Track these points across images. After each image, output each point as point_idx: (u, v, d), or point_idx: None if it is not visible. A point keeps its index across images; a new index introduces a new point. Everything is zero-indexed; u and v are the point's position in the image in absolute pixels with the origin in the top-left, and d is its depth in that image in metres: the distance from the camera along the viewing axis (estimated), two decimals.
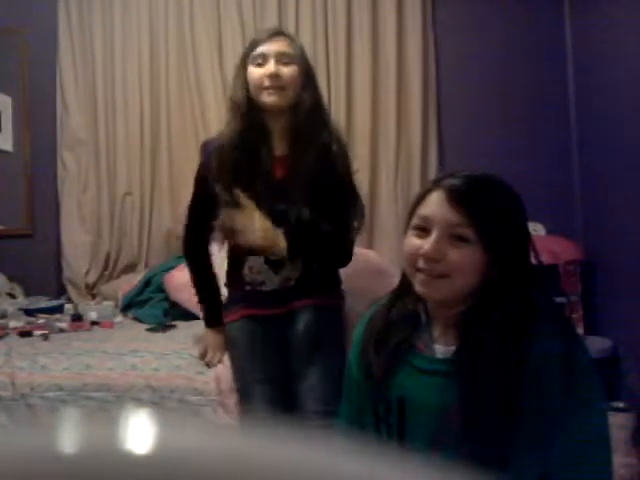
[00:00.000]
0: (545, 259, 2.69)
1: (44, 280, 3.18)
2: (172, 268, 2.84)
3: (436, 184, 1.02)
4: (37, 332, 2.36)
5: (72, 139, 3.19)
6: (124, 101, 3.17)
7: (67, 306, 2.76)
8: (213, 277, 1.88)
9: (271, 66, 1.63)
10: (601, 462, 0.96)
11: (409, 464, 0.22)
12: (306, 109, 1.66)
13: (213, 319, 1.88)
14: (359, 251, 2.43)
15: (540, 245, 2.94)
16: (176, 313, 2.68)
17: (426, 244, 0.97)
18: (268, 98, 1.65)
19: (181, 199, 3.17)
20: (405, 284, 1.08)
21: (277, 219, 1.65)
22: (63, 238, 3.19)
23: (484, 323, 0.97)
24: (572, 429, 0.93)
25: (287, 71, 1.64)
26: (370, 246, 3.00)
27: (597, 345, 2.50)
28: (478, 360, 0.96)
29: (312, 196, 1.66)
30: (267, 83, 1.63)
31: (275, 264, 1.73)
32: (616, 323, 2.61)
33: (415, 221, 1.02)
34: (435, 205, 0.99)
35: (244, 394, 1.72)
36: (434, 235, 0.97)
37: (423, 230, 1.00)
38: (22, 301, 2.91)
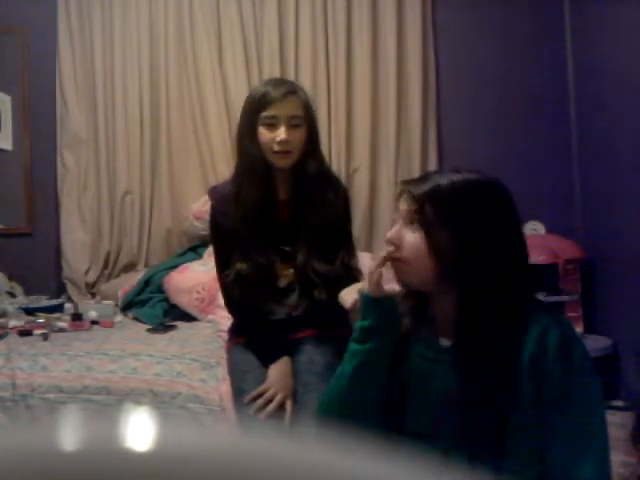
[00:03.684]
0: (545, 258, 2.70)
1: (44, 279, 3.18)
2: (172, 268, 2.84)
3: (403, 189, 1.14)
4: (37, 331, 2.36)
5: (72, 138, 3.19)
6: (124, 100, 3.17)
7: (67, 305, 2.77)
8: (265, 323, 1.79)
9: (282, 132, 1.63)
10: (601, 450, 0.97)
11: (408, 464, 0.22)
12: (311, 174, 1.70)
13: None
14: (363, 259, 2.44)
15: (540, 244, 2.96)
16: (176, 313, 2.68)
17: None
18: (276, 161, 1.67)
19: (181, 198, 3.19)
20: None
21: (283, 259, 1.72)
22: (63, 237, 3.19)
23: (479, 313, 1.02)
24: (571, 416, 0.96)
25: (296, 136, 1.66)
26: (370, 246, 3.00)
27: (597, 344, 2.50)
28: (476, 350, 1.01)
29: (314, 243, 1.72)
30: (277, 148, 1.64)
31: (283, 293, 1.76)
32: (616, 322, 2.61)
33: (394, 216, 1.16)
34: (403, 201, 1.11)
35: (243, 427, 1.66)
36: (397, 224, 1.09)
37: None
38: (22, 300, 2.91)
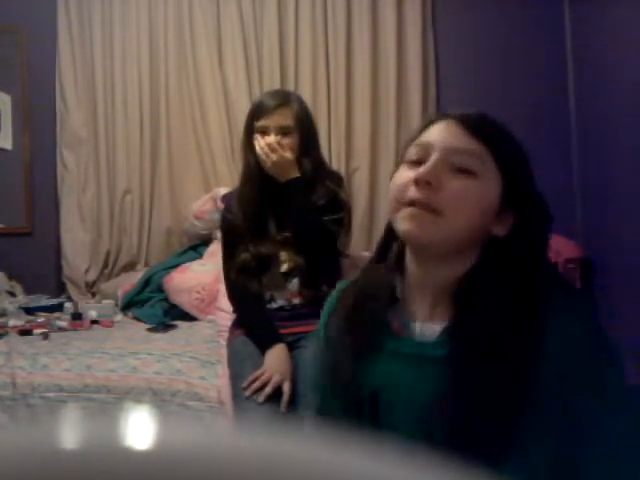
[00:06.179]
0: None
1: (44, 278, 3.18)
2: (172, 267, 2.84)
3: (441, 116, 0.85)
4: (37, 331, 2.36)
5: (72, 138, 3.19)
6: (124, 99, 3.17)
7: (67, 304, 2.76)
8: (264, 310, 1.85)
9: (270, 139, 1.78)
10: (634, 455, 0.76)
11: (413, 463, 0.22)
12: (306, 173, 1.81)
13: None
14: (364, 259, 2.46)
15: None
16: (176, 313, 2.68)
17: (421, 168, 0.79)
18: (266, 165, 1.80)
19: (181, 198, 3.18)
20: (381, 251, 0.92)
21: (285, 245, 1.84)
22: (63, 236, 3.18)
23: (485, 292, 0.78)
24: (600, 423, 0.75)
25: (285, 143, 1.79)
26: (370, 246, 3.00)
27: None
28: (477, 340, 0.77)
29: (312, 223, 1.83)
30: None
31: (284, 279, 1.83)
32: (615, 322, 2.61)
33: (410, 152, 0.85)
34: (439, 132, 0.82)
35: (239, 411, 1.65)
36: (433, 158, 0.80)
37: (419, 163, 0.82)
38: (22, 299, 2.91)
